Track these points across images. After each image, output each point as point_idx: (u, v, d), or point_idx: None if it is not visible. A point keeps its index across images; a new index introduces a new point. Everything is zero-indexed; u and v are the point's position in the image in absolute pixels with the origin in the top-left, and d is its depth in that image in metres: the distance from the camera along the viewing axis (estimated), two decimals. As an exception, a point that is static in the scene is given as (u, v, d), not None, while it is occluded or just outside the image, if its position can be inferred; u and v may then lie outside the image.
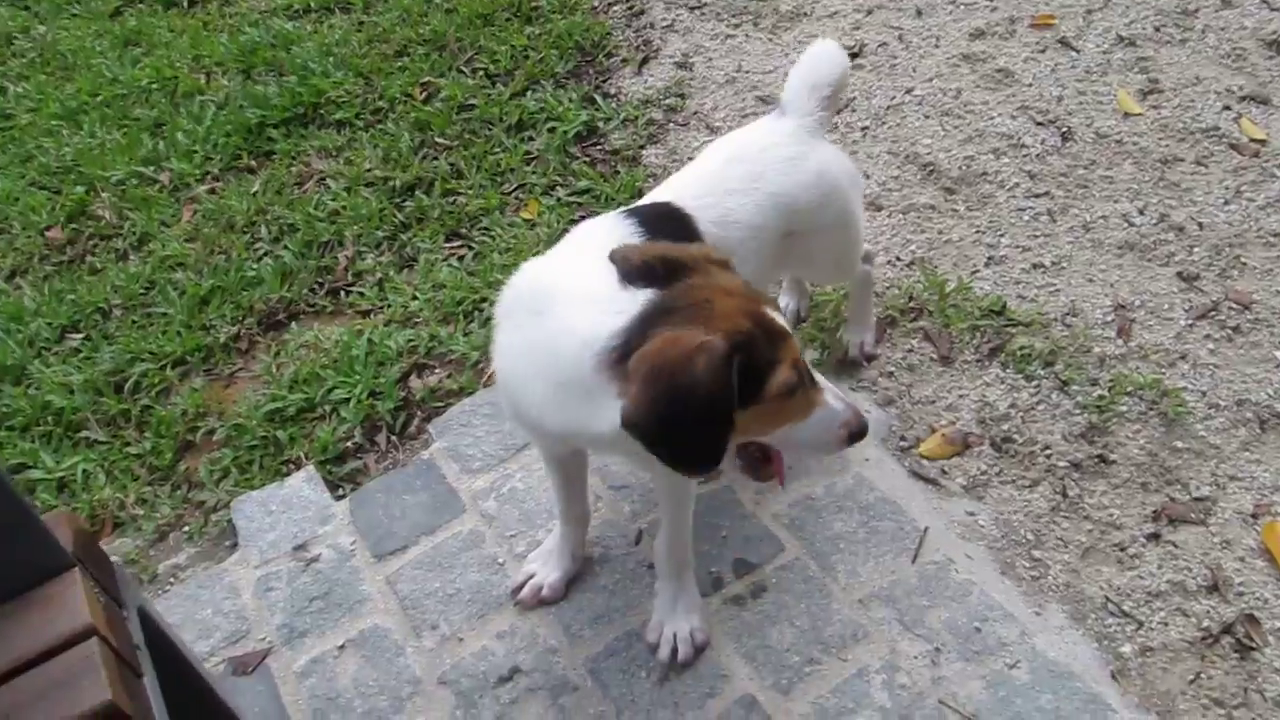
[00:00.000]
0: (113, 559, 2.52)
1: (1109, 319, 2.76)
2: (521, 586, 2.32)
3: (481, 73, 3.97)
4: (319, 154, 3.74)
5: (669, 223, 1.96)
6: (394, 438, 2.75)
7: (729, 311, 1.57)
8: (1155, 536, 2.31)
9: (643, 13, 4.19)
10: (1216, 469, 2.42)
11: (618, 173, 3.42)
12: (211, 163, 3.79)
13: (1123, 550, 2.30)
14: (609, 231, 1.91)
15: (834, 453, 1.81)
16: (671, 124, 3.62)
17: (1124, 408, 2.55)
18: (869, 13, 3.96)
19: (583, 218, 2.27)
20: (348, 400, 2.81)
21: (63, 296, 3.32)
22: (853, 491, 2.45)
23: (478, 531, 2.48)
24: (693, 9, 4.14)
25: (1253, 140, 3.19)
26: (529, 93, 3.83)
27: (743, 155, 2.16)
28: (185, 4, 4.86)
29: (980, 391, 2.64)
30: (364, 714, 2.18)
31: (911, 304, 2.87)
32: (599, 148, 3.57)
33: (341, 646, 2.31)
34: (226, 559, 2.54)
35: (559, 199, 3.36)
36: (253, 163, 3.78)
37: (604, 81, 3.87)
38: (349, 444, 2.74)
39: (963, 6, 3.89)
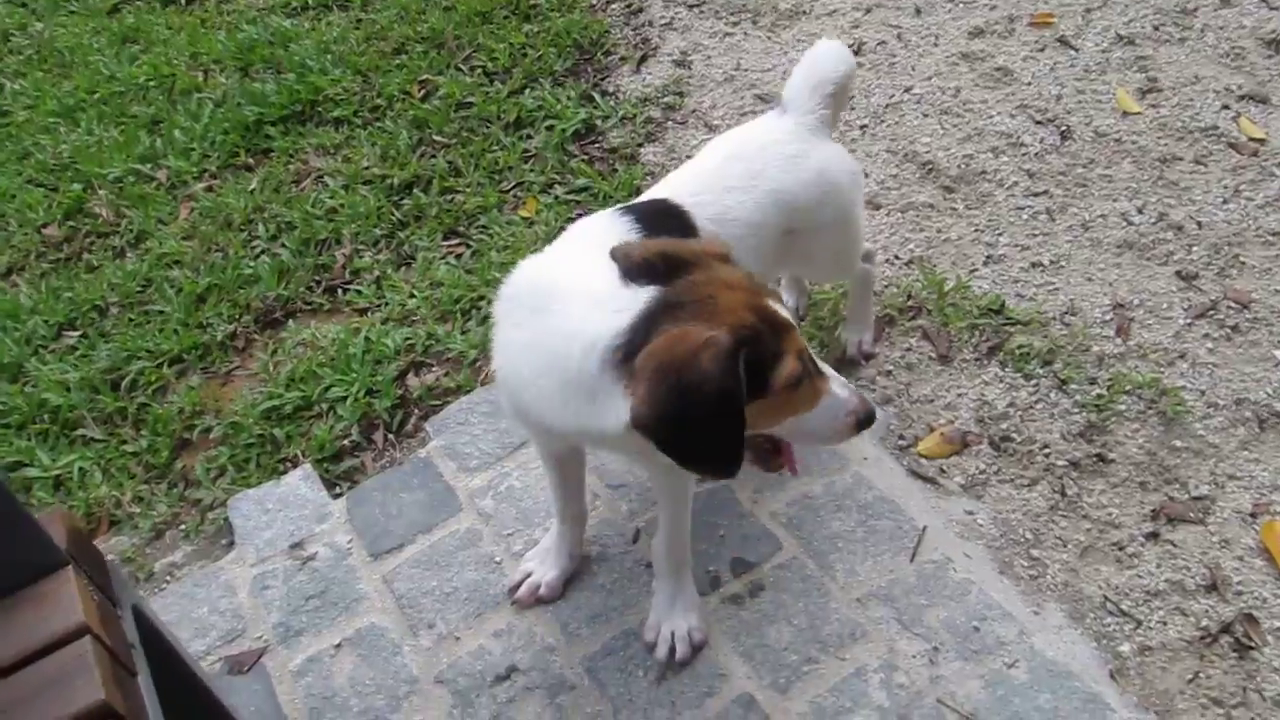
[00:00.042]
0: (109, 557, 2.51)
1: (1108, 318, 2.75)
2: (519, 585, 2.32)
3: (480, 70, 3.96)
4: (317, 152, 3.73)
5: (666, 219, 1.95)
6: (391, 436, 2.75)
7: (733, 306, 1.57)
8: (1154, 535, 2.31)
9: (641, 10, 4.18)
10: (1215, 468, 2.41)
11: (616, 171, 3.41)
12: (209, 160, 3.79)
13: (1121, 549, 2.29)
14: (606, 229, 1.90)
15: (842, 441, 1.80)
16: (670, 122, 3.61)
17: (1123, 407, 2.55)
18: (868, 11, 3.95)
19: (581, 216, 2.26)
20: (345, 398, 2.81)
21: (59, 294, 3.32)
22: (851, 490, 2.44)
23: (475, 530, 2.48)
24: (691, 7, 4.13)
25: (1251, 139, 3.19)
26: (527, 91, 3.83)
27: (742, 153, 2.16)
28: (183, 1, 4.85)
29: (979, 390, 2.63)
30: (360, 713, 2.18)
31: (910, 302, 2.86)
32: (597, 146, 3.56)
33: (338, 645, 2.30)
34: (223, 557, 2.53)
35: (557, 197, 3.36)
36: (250, 160, 3.77)
37: (602, 79, 3.86)
38: (346, 442, 2.74)
39: (961, 5, 3.89)
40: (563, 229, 2.01)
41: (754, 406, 1.58)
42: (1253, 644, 2.10)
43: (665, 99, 3.70)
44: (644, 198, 2.13)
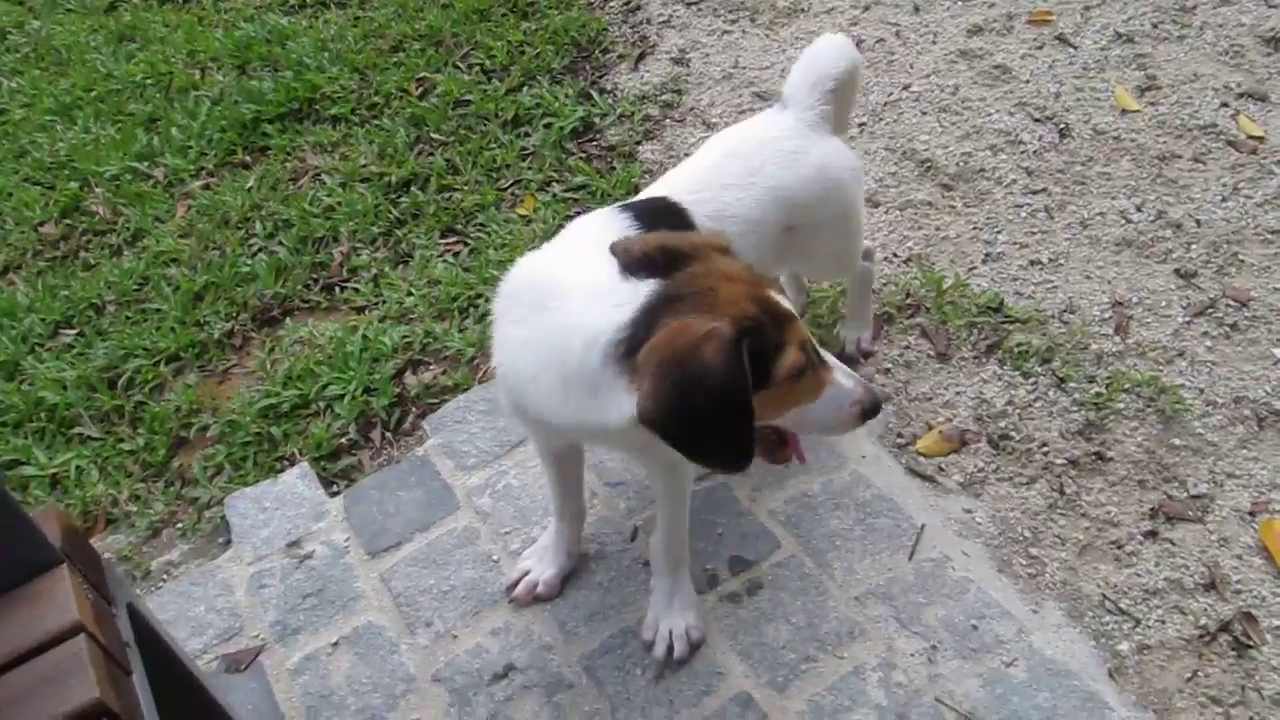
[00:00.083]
0: (105, 556, 2.51)
1: (1106, 316, 2.75)
2: (516, 583, 2.31)
3: (477, 68, 3.96)
4: (314, 149, 3.73)
5: (665, 217, 1.95)
6: (388, 434, 2.74)
7: (733, 297, 1.56)
8: (1153, 534, 2.30)
9: (639, 8, 4.17)
10: (1214, 466, 2.41)
11: (614, 169, 3.41)
12: (206, 158, 3.78)
13: (1120, 548, 2.29)
14: (605, 226, 1.90)
15: (848, 431, 1.79)
16: (668, 120, 3.61)
17: (1121, 405, 2.54)
18: (866, 8, 3.95)
19: (579, 213, 2.26)
20: (342, 396, 2.80)
21: (56, 292, 3.31)
22: (849, 488, 2.44)
23: (472, 528, 2.47)
24: (689, 4, 4.13)
25: (1250, 137, 3.18)
26: (525, 88, 3.82)
27: (741, 150, 2.15)
28: (180, -1, 4.85)
29: (977, 388, 2.63)
30: (357, 712, 2.17)
31: (909, 300, 2.86)
32: (595, 144, 3.56)
33: (335, 644, 2.30)
34: (220, 556, 2.53)
35: (555, 195, 3.35)
36: (247, 158, 3.77)
37: (600, 77, 3.86)
38: (343, 440, 2.73)
39: (960, 3, 3.88)
40: (561, 227, 2.00)
41: (757, 397, 1.56)
42: (1251, 642, 2.10)
43: (663, 97, 3.69)
44: (643, 195, 2.12)
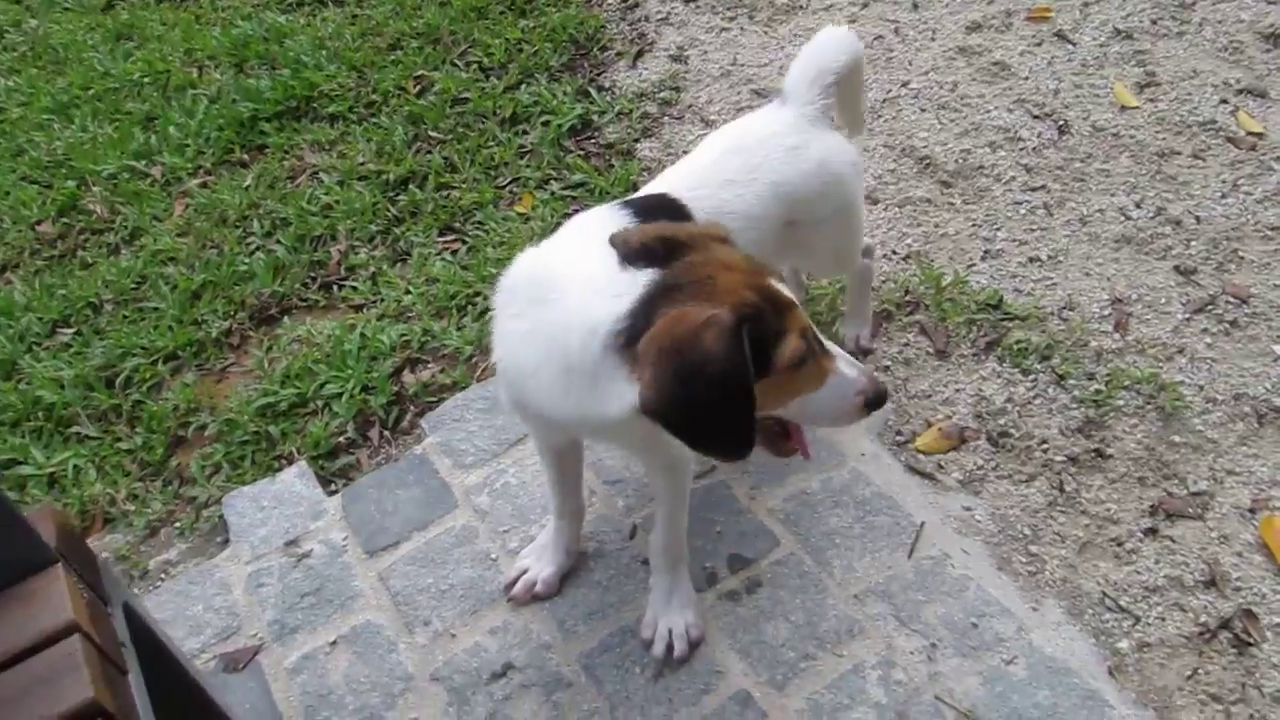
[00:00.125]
0: (102, 555, 2.50)
1: (1106, 313, 2.74)
2: (515, 582, 2.31)
3: (475, 66, 3.95)
4: (312, 148, 3.72)
5: (665, 214, 1.93)
6: (386, 433, 2.73)
7: (732, 285, 1.55)
8: (1152, 531, 2.30)
9: (637, 5, 4.17)
10: (1214, 463, 2.41)
11: (612, 166, 3.40)
12: (204, 157, 3.77)
13: (1120, 545, 2.28)
14: (604, 223, 1.89)
15: (853, 422, 1.77)
16: (666, 117, 3.60)
17: (1121, 402, 2.54)
18: (865, 5, 3.94)
19: (577, 211, 2.25)
20: (340, 395, 2.79)
21: (53, 291, 3.30)
22: (848, 486, 2.43)
23: (470, 527, 2.46)
24: (687, 1, 4.12)
25: (1250, 133, 3.18)
26: (523, 86, 3.81)
27: (741, 145, 2.14)
28: (177, -3, 4.84)
29: (977, 386, 2.62)
30: (356, 711, 2.17)
31: (907, 298, 2.85)
32: (593, 141, 3.55)
33: (333, 643, 2.29)
34: (218, 555, 2.52)
35: (553, 193, 3.34)
36: (245, 156, 3.76)
37: (598, 75, 3.85)
38: (341, 439, 2.73)
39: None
40: (559, 225, 2.00)
41: (758, 386, 1.55)
42: (1252, 640, 2.10)
43: (661, 94, 3.69)
44: (642, 192, 2.11)
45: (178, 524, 2.61)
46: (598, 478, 2.52)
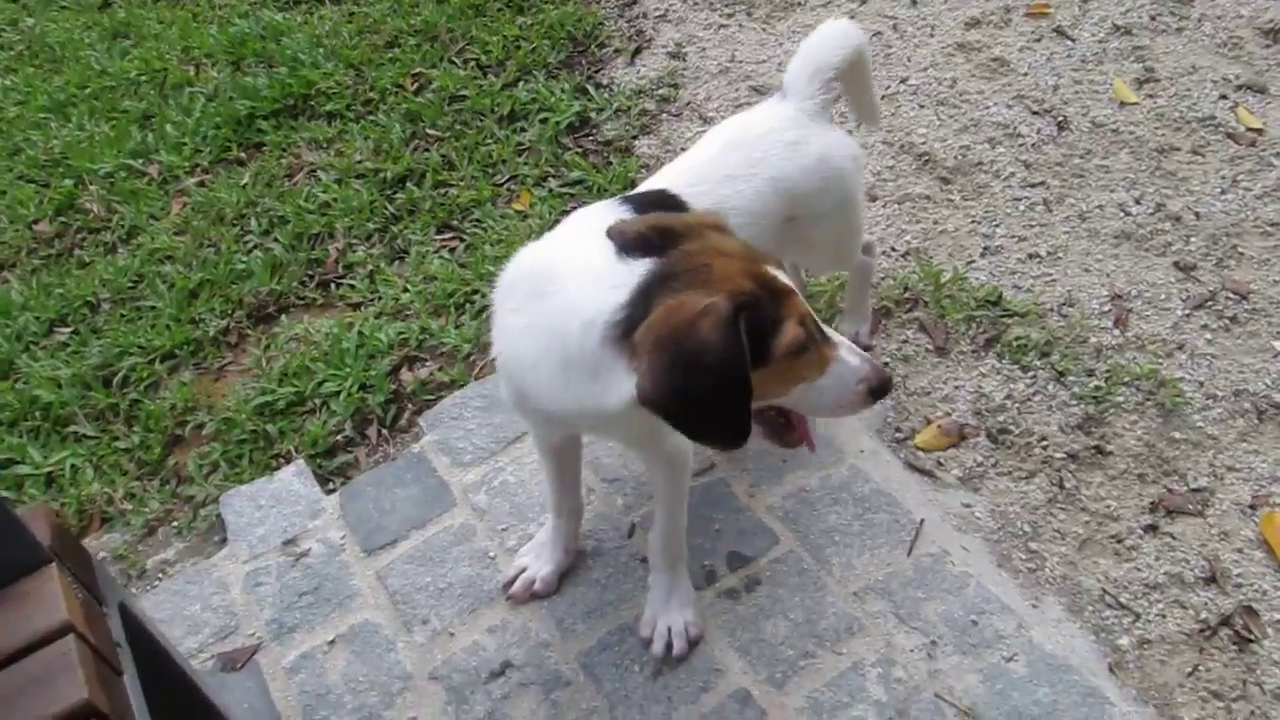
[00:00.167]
0: (100, 555, 2.51)
1: (1105, 309, 2.74)
2: (513, 581, 2.30)
3: (473, 63, 3.94)
4: (309, 146, 3.71)
5: (664, 210, 1.93)
6: (384, 431, 2.73)
7: (729, 273, 1.54)
8: (1153, 528, 2.29)
9: (635, 2, 4.15)
10: (1214, 460, 2.40)
11: (610, 164, 3.39)
12: (201, 155, 3.76)
13: (1120, 542, 2.28)
14: (604, 218, 1.88)
15: (857, 411, 1.76)
16: (664, 114, 3.59)
17: (1121, 398, 2.53)
18: (863, 1, 3.93)
19: (575, 209, 2.24)
20: (338, 393, 2.79)
21: (51, 290, 3.30)
22: (848, 483, 2.43)
23: (469, 525, 2.46)
24: (686, -1, 4.11)
25: (1249, 129, 3.17)
26: (521, 83, 3.80)
27: (741, 141, 2.13)
28: (174, -5, 4.83)
29: (976, 382, 2.61)
30: (354, 710, 2.16)
31: (907, 294, 2.84)
32: (591, 138, 3.54)
33: (331, 642, 2.29)
34: (215, 554, 2.51)
35: (551, 190, 3.33)
36: (242, 155, 3.75)
37: (596, 72, 3.84)
38: (339, 437, 2.72)
39: (958, -5, 3.87)
40: (557, 222, 1.99)
41: (757, 375, 1.54)
42: (1252, 636, 2.09)
43: (660, 91, 3.68)
44: (642, 188, 2.11)
45: (175, 523, 2.60)
46: (596, 476, 2.51)
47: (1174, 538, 2.27)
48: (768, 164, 2.08)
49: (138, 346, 3.04)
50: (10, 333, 3.15)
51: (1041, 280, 2.83)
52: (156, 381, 2.97)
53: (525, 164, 3.45)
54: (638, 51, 3.89)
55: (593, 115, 3.61)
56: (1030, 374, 2.61)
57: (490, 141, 3.57)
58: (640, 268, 1.57)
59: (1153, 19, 3.61)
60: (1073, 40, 3.59)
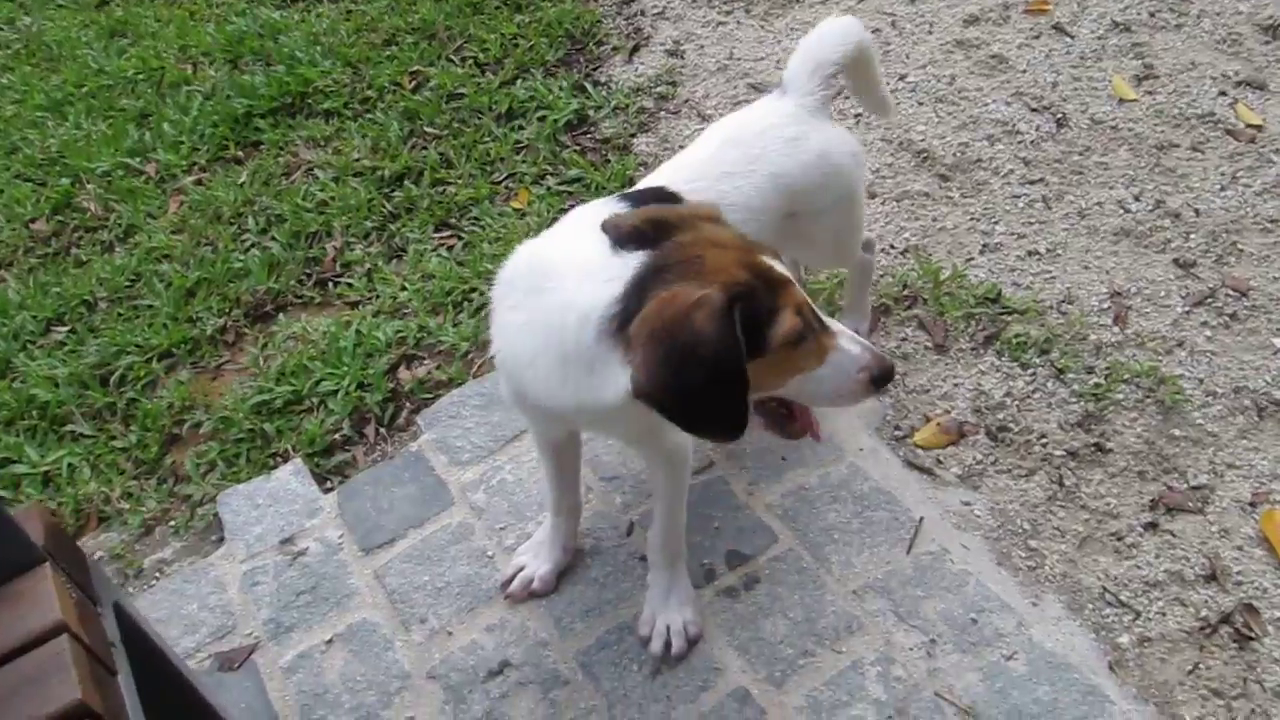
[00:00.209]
0: (97, 554, 2.51)
1: (1105, 306, 2.73)
2: (511, 579, 2.29)
3: (471, 61, 3.93)
4: (307, 144, 3.70)
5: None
6: (382, 430, 2.72)
7: (722, 263, 1.54)
8: (1153, 526, 2.29)
9: (633, 0, 4.14)
10: (1214, 457, 2.39)
11: (608, 161, 3.39)
12: (198, 153, 3.75)
13: (1120, 540, 2.27)
14: (602, 216, 1.87)
15: (859, 401, 1.74)
16: (663, 112, 3.58)
17: (1120, 396, 2.52)
18: (862, -1, 3.93)
19: (573, 207, 2.23)
20: (335, 392, 2.78)
21: (48, 289, 3.29)
22: (847, 481, 2.42)
23: (467, 524, 2.45)
24: (684, -4, 4.10)
25: (1249, 126, 3.16)
26: (519, 81, 3.79)
27: (740, 138, 2.12)
28: (172, -6, 4.82)
29: (975, 380, 2.61)
30: (352, 709, 2.15)
31: (906, 292, 2.84)
32: (590, 136, 3.53)
33: (329, 641, 2.28)
34: (213, 553, 2.50)
35: (549, 188, 3.33)
36: (240, 153, 3.74)
37: (594, 69, 3.83)
38: (337, 436, 2.71)
39: (957, -8, 3.86)
40: (555, 220, 1.98)
41: (754, 366, 1.53)
42: (1253, 634, 2.08)
43: (658, 89, 3.67)
44: (641, 185, 2.10)
45: (172, 522, 2.59)
46: (595, 474, 2.51)
47: (1174, 535, 2.26)
48: (767, 160, 2.07)
49: (135, 345, 3.03)
50: (7, 332, 3.14)
51: (1041, 277, 2.83)
52: (154, 380, 2.96)
53: (523, 162, 3.44)
54: (636, 49, 3.88)
55: (591, 113, 3.61)
56: (1030, 371, 2.61)
57: (488, 139, 3.56)
58: (634, 260, 1.56)
59: (1152, 15, 3.60)
60: (1072, 37, 3.58)
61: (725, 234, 1.63)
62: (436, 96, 3.75)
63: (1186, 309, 2.70)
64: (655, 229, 1.60)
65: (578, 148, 3.48)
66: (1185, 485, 2.35)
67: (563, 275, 1.64)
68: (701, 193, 1.98)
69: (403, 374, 2.83)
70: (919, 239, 2.99)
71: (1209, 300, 2.71)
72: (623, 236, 1.60)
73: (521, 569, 2.29)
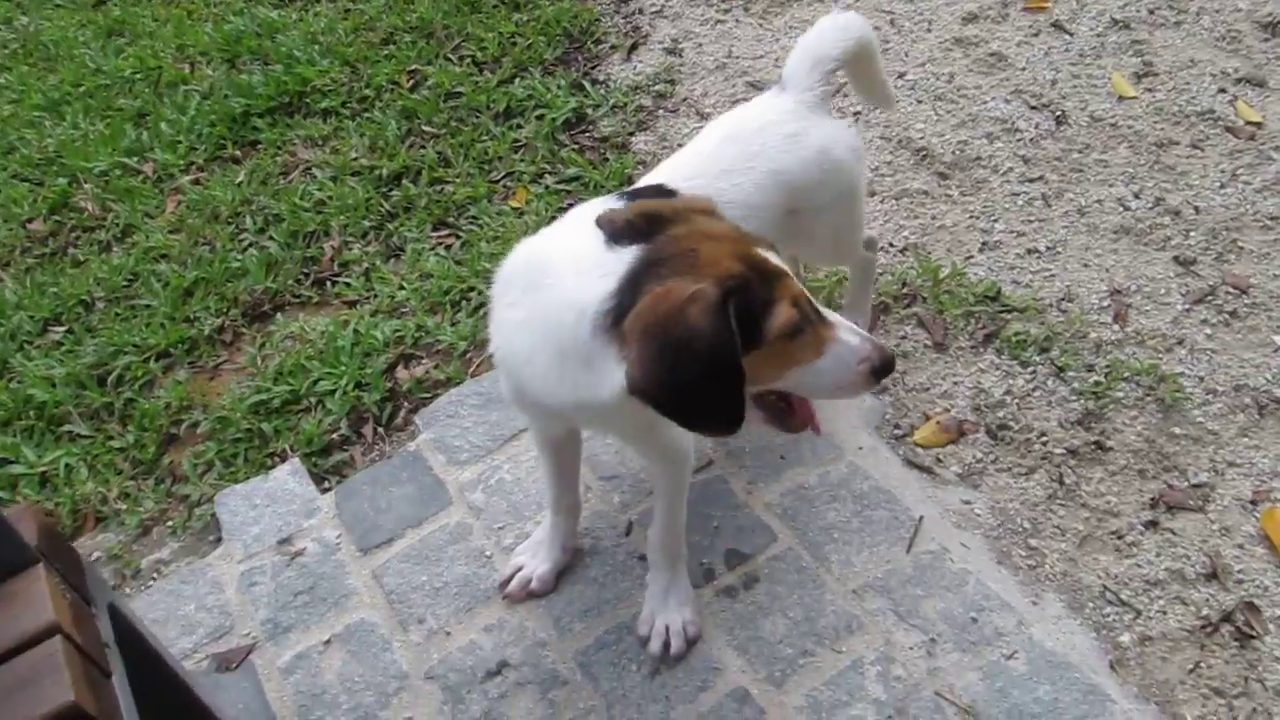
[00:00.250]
0: (95, 554, 2.49)
1: (1105, 304, 2.72)
2: (510, 579, 2.28)
3: (469, 60, 3.92)
4: (305, 143, 3.69)
5: None
6: (380, 429, 2.71)
7: (716, 256, 1.53)
8: (1153, 524, 2.28)
9: (632, -2, 4.14)
10: (1215, 455, 2.39)
11: (607, 160, 3.38)
12: (196, 153, 3.74)
13: (1120, 538, 2.26)
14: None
15: (860, 392, 1.72)
16: (661, 110, 3.57)
17: (1121, 394, 2.51)
18: (861, -3, 3.92)
19: (571, 205, 2.22)
20: (333, 392, 2.77)
21: (45, 289, 3.28)
22: (846, 480, 2.41)
23: (465, 524, 2.44)
24: (683, -6, 4.09)
25: (1248, 123, 3.16)
26: (517, 80, 3.78)
27: (739, 134, 2.11)
28: (169, -7, 4.81)
29: (975, 378, 2.60)
30: (350, 710, 2.14)
31: (905, 290, 2.83)
32: (588, 135, 3.53)
33: (327, 641, 2.27)
34: (210, 553, 2.50)
35: (547, 187, 3.32)
36: (237, 153, 3.73)
37: (593, 68, 3.82)
38: (334, 436, 2.70)
39: (955, -10, 3.86)
40: (553, 219, 1.98)
41: (750, 359, 1.53)
42: (1254, 633, 2.08)
43: (656, 87, 3.66)
44: (641, 183, 2.09)
45: (170, 523, 2.59)
46: (593, 473, 2.50)
47: (1175, 534, 2.26)
48: (767, 156, 2.06)
49: (132, 345, 3.02)
50: (4, 332, 3.14)
51: (1040, 275, 2.82)
52: (151, 380, 2.96)
53: (521, 161, 3.43)
54: (634, 47, 3.87)
55: (589, 111, 3.60)
56: (1029, 369, 2.60)
57: (486, 138, 3.55)
58: (628, 255, 1.56)
59: (1151, 13, 3.59)
60: (1070, 34, 3.57)
61: (719, 226, 1.62)
62: (434, 95, 3.74)
63: (1186, 306, 2.69)
64: (649, 223, 1.59)
65: (576, 146, 3.47)
66: (1186, 483, 2.34)
67: (559, 271, 1.63)
68: (702, 190, 1.97)
69: (401, 373, 2.82)
70: (918, 237, 2.98)
71: (1209, 298, 2.70)
72: (617, 231, 1.59)
73: (520, 569, 2.28)
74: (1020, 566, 2.24)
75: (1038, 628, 2.11)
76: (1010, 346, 2.64)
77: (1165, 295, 2.72)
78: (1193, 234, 2.86)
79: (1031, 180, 3.09)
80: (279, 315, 3.09)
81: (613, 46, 3.90)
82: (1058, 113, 3.28)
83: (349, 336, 2.89)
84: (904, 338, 2.72)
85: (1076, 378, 2.56)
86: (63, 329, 3.16)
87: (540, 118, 3.58)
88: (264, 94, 3.87)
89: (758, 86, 3.54)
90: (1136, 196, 2.99)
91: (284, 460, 2.66)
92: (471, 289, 2.98)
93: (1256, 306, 2.67)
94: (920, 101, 3.41)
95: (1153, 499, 2.32)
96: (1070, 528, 2.29)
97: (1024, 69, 3.47)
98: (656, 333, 1.46)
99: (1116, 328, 2.66)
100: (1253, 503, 2.29)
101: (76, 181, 3.70)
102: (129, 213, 3.51)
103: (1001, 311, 2.73)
